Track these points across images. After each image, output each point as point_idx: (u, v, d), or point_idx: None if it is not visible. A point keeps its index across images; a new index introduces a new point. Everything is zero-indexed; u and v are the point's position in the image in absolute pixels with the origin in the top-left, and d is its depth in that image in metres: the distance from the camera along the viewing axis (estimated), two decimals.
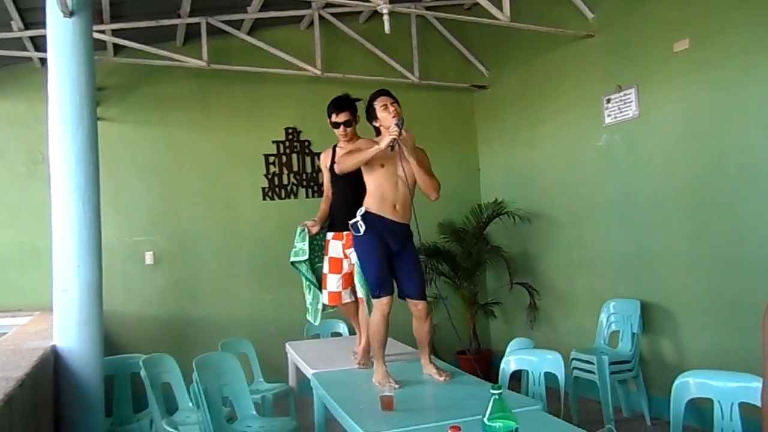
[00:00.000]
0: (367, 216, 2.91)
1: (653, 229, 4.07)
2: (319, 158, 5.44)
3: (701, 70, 3.69)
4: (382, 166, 2.91)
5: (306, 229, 3.42)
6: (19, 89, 4.81)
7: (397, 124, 2.79)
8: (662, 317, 4.02)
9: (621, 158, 4.30)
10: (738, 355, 3.41)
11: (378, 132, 3.02)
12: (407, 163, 2.89)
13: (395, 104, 2.95)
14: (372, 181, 2.94)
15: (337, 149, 3.38)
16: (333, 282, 3.37)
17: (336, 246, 3.37)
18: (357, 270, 3.14)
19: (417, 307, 2.94)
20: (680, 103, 3.85)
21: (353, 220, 2.94)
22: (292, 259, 3.45)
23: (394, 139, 2.75)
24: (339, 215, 3.33)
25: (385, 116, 2.92)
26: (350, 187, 3.16)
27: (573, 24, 4.59)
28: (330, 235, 3.42)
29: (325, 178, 3.53)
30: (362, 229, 2.89)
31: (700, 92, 3.71)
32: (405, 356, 3.41)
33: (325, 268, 3.41)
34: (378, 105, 2.95)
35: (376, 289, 2.89)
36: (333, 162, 3.32)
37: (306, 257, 3.41)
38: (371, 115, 2.99)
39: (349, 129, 3.29)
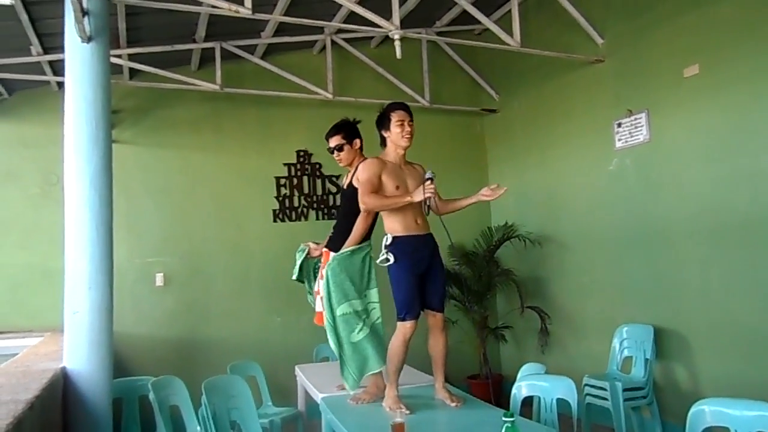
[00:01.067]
0: (395, 243, 2.91)
1: (666, 253, 4.03)
2: (331, 181, 5.51)
3: (711, 95, 3.69)
4: (398, 188, 2.94)
5: (306, 249, 3.45)
6: (35, 112, 4.89)
7: (430, 177, 2.75)
8: (676, 343, 3.96)
9: (632, 182, 4.29)
10: (754, 383, 3.35)
11: (383, 141, 3.04)
12: (413, 178, 2.94)
13: (411, 124, 2.96)
14: None
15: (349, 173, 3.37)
16: (318, 301, 3.33)
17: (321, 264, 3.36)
18: (323, 285, 3.10)
19: (435, 317, 2.97)
20: (691, 127, 3.85)
21: (382, 254, 2.90)
22: (294, 277, 3.53)
23: (430, 197, 2.71)
24: (334, 234, 3.35)
25: (398, 133, 2.94)
26: (345, 210, 3.28)
27: (583, 49, 4.63)
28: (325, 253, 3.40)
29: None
30: (392, 258, 2.88)
31: (711, 117, 3.71)
32: (416, 382, 3.37)
33: (316, 287, 3.40)
34: (395, 118, 2.96)
35: (402, 312, 2.89)
36: (351, 183, 3.24)
37: (294, 277, 3.45)
38: (384, 124, 3.00)
39: (341, 153, 3.30)
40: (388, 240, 2.93)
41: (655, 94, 4.07)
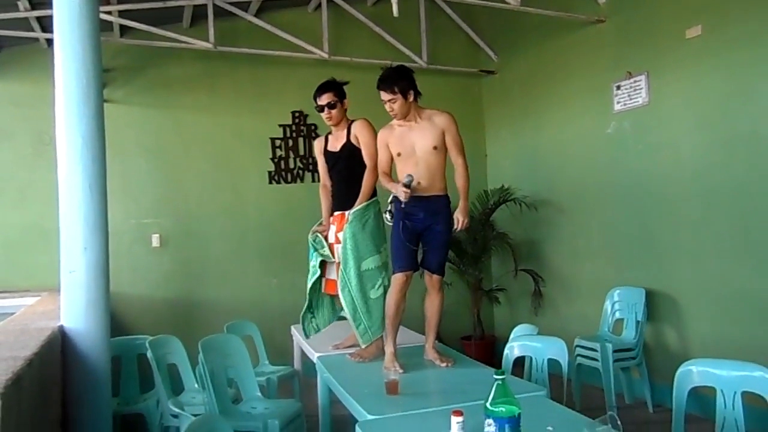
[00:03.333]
0: (394, 200, 3.01)
1: (660, 217, 4.05)
2: None
3: (713, 57, 3.64)
4: (399, 155, 2.99)
5: (318, 236, 3.41)
6: (25, 70, 4.80)
7: (405, 184, 2.85)
8: (667, 305, 4.01)
9: (629, 146, 4.27)
10: (742, 345, 3.42)
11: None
12: (421, 137, 2.95)
13: (393, 101, 2.90)
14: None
15: (329, 137, 3.39)
16: (332, 269, 3.36)
17: (331, 231, 3.36)
18: (345, 242, 3.15)
19: (431, 278, 3.04)
20: (691, 90, 3.81)
21: (386, 211, 3.09)
22: (314, 263, 3.38)
23: (406, 195, 2.85)
24: (337, 198, 3.35)
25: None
26: (347, 171, 3.26)
27: (583, 9, 4.53)
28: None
29: (321, 165, 3.50)
30: (389, 217, 3.04)
31: (712, 80, 3.67)
32: (409, 342, 3.42)
33: (335, 257, 3.36)
34: (381, 96, 2.93)
35: (393, 264, 3.00)
36: (327, 149, 3.37)
37: (331, 260, 3.37)
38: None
39: (333, 111, 3.25)
40: (390, 198, 3.04)
41: (656, 55, 4.01)
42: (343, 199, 3.30)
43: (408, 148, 2.96)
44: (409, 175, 2.88)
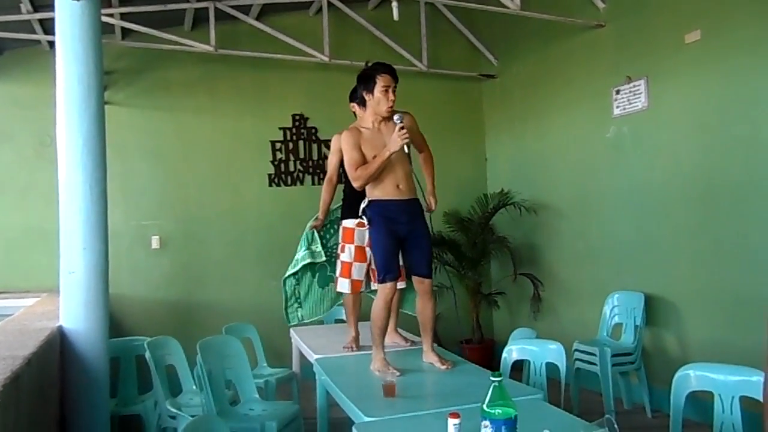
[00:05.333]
0: (371, 206, 2.92)
1: (659, 221, 4.06)
2: (326, 145, 5.46)
3: (712, 62, 3.65)
4: (374, 157, 2.85)
5: (314, 231, 3.48)
6: (27, 72, 4.82)
7: (401, 125, 2.75)
8: (666, 310, 4.01)
9: (629, 150, 4.28)
10: (740, 349, 3.42)
11: (362, 102, 2.95)
12: (389, 136, 2.84)
13: (395, 91, 2.85)
14: None
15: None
16: (358, 270, 3.40)
17: (361, 234, 3.37)
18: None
19: (423, 284, 2.93)
20: (690, 95, 3.81)
21: (362, 213, 2.99)
22: (307, 260, 3.51)
23: (407, 143, 2.76)
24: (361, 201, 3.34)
25: (381, 99, 2.83)
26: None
27: (583, 13, 4.55)
28: (352, 222, 3.40)
29: (334, 161, 3.50)
30: (367, 222, 2.95)
31: (711, 84, 3.68)
32: (407, 344, 3.43)
33: (347, 257, 3.41)
34: (380, 83, 2.83)
35: (381, 273, 2.88)
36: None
37: (322, 259, 3.48)
38: (367, 85, 2.86)
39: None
40: (365, 203, 2.95)
41: (655, 60, 4.03)
42: (344, 206, 3.42)
43: (381, 148, 2.84)
44: (399, 117, 2.79)
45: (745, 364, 2.08)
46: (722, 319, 3.63)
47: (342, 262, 3.44)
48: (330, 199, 3.58)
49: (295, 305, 3.55)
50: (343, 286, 3.42)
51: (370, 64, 2.96)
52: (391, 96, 2.84)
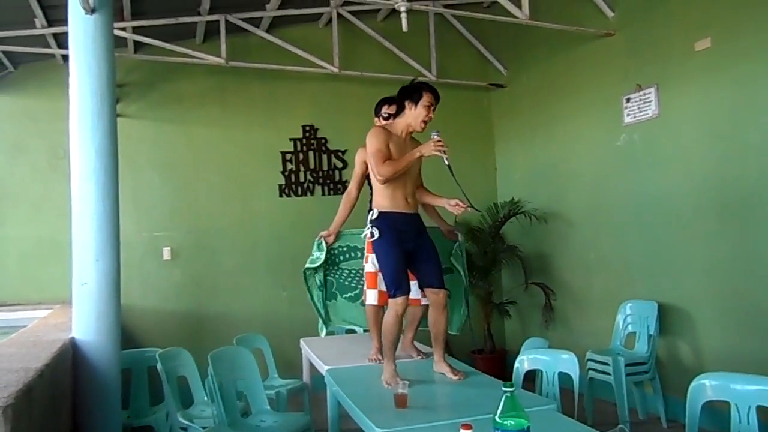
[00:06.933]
0: (381, 217, 2.90)
1: (671, 230, 4.02)
2: (336, 156, 5.48)
3: (722, 69, 3.63)
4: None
5: (323, 241, 3.47)
6: (41, 86, 4.89)
7: (436, 137, 2.77)
8: (679, 319, 3.97)
9: (639, 158, 4.25)
10: (756, 358, 3.37)
11: (400, 112, 2.96)
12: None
13: (434, 112, 2.91)
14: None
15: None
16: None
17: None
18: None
19: (438, 295, 2.89)
20: (701, 102, 3.79)
21: (367, 228, 2.95)
22: (307, 265, 3.53)
23: (443, 154, 2.76)
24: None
25: (422, 115, 2.88)
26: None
27: (592, 22, 4.55)
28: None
29: (359, 172, 3.41)
30: (377, 233, 2.87)
31: (721, 92, 3.66)
32: (419, 357, 3.41)
33: (371, 267, 3.27)
34: (426, 98, 2.89)
35: (391, 289, 2.83)
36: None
37: (318, 264, 3.48)
38: (413, 97, 2.90)
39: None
40: (373, 215, 2.92)
41: (665, 68, 4.01)
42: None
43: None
44: (436, 132, 2.81)
45: (761, 373, 2.06)
46: (737, 328, 3.59)
47: (367, 273, 3.35)
48: (344, 217, 3.47)
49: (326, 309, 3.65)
50: (371, 297, 3.34)
51: (416, 81, 3.00)
52: (430, 114, 2.91)
